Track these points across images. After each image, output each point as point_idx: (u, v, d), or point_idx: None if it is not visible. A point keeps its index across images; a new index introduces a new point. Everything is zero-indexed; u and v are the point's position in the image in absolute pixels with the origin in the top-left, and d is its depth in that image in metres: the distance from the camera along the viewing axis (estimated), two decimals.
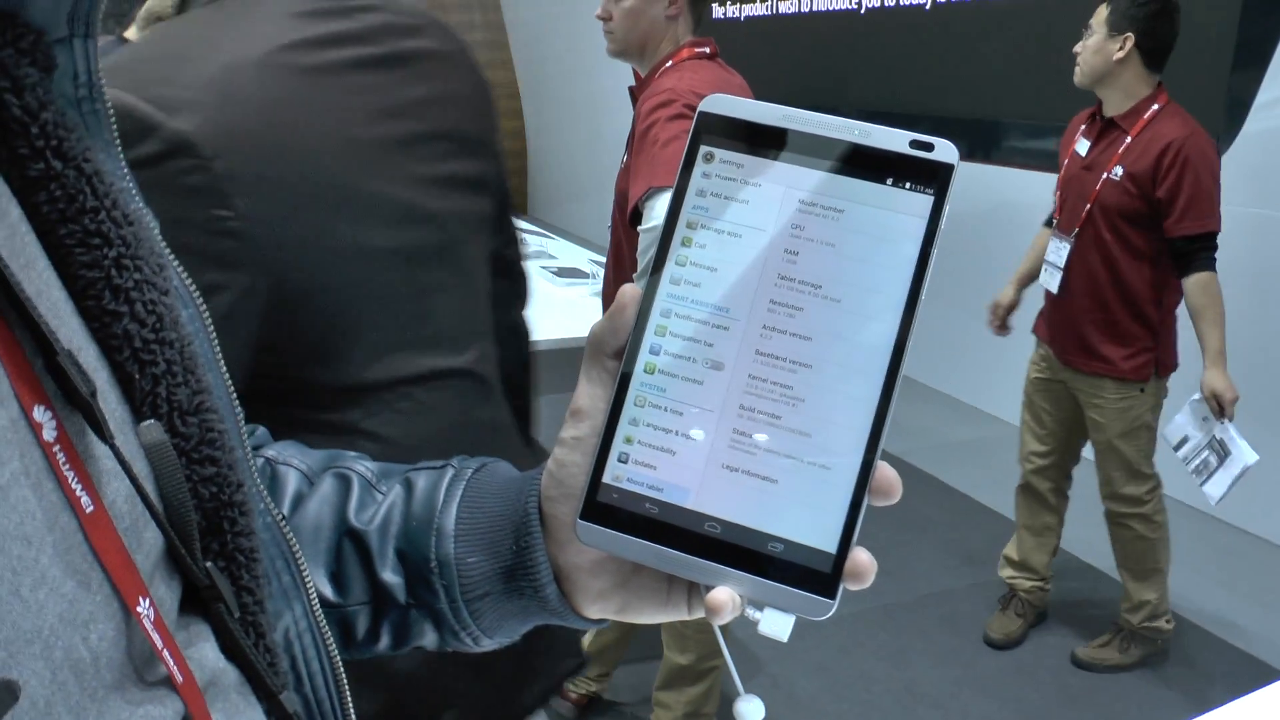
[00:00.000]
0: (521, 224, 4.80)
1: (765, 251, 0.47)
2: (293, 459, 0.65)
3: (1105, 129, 2.82)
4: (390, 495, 0.61)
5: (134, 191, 0.48)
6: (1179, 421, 2.88)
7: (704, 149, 0.49)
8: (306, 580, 0.54)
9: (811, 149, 0.48)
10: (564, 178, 10.56)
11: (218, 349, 0.51)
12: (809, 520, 0.46)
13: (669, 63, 2.22)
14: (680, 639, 2.36)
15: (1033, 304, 3.19)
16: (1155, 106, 2.73)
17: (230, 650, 0.44)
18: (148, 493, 0.39)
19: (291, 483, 0.63)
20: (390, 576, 0.58)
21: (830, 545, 0.46)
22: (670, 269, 0.48)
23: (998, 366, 5.06)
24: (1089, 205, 2.78)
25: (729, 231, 0.48)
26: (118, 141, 0.47)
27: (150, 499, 0.39)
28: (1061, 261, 2.89)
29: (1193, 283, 2.69)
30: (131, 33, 3.51)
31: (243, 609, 0.45)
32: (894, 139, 0.47)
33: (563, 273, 3.73)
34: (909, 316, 0.46)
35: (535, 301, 3.73)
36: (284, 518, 0.54)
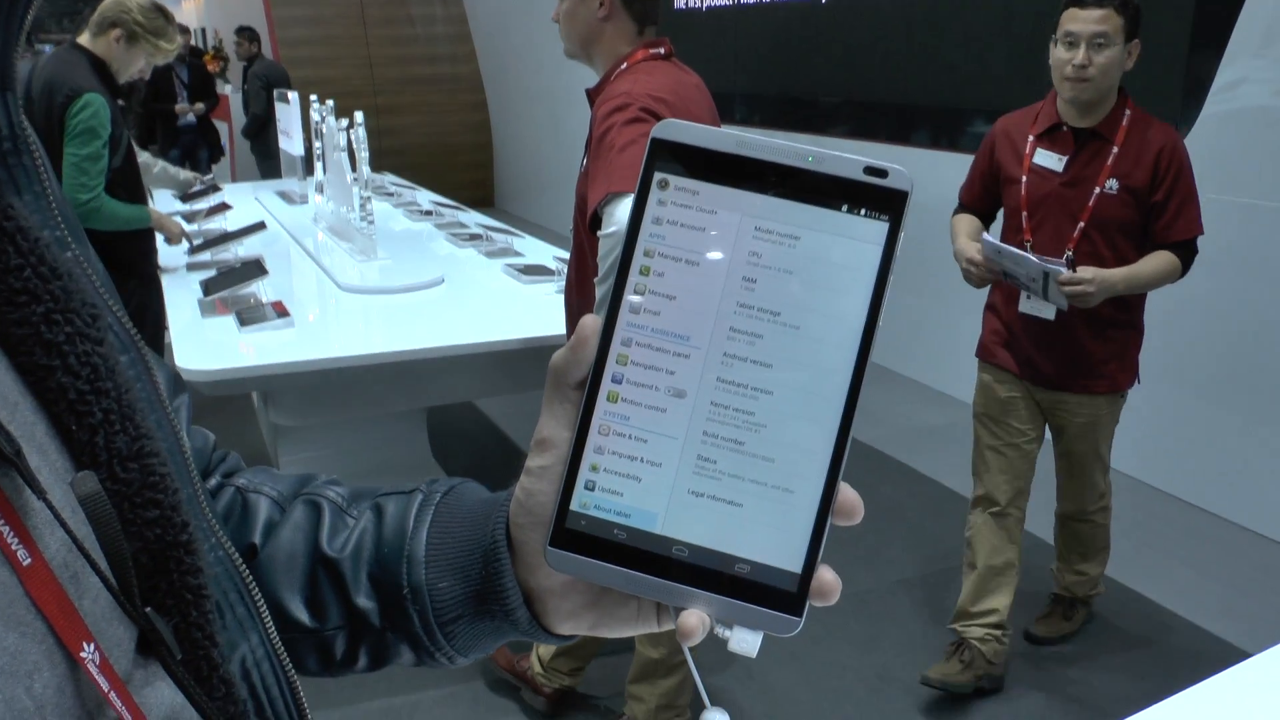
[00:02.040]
0: (488, 220, 4.79)
1: (723, 279, 0.48)
2: (263, 486, 0.66)
3: (1085, 141, 2.65)
4: (361, 521, 0.62)
5: (68, 240, 0.48)
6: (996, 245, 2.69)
7: (659, 176, 0.49)
8: (262, 610, 0.55)
9: (766, 176, 0.48)
10: (529, 170, 10.53)
11: (162, 389, 0.52)
12: (774, 542, 0.47)
13: (623, 65, 2.21)
14: (652, 634, 2.35)
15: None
16: (1128, 112, 2.64)
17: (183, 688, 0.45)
18: (82, 544, 0.40)
19: (263, 511, 0.64)
20: (365, 602, 0.60)
21: (795, 565, 0.47)
22: (629, 298, 0.49)
23: (967, 351, 5.10)
24: (1082, 223, 2.65)
25: (686, 259, 0.48)
26: (50, 191, 0.48)
27: (86, 550, 0.40)
28: None
29: (1164, 259, 2.64)
30: (85, 38, 3.47)
31: (193, 644, 0.46)
32: (847, 166, 0.47)
33: (528, 271, 3.72)
34: (867, 341, 0.47)
35: (502, 300, 3.73)
36: (237, 552, 0.55)
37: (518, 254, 4.10)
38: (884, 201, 0.47)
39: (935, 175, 5.14)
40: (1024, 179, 2.75)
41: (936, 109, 5.35)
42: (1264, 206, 3.66)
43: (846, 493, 0.47)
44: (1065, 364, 2.77)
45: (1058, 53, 2.60)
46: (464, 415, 4.86)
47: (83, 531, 0.41)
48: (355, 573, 0.60)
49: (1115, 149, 2.62)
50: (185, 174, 5.11)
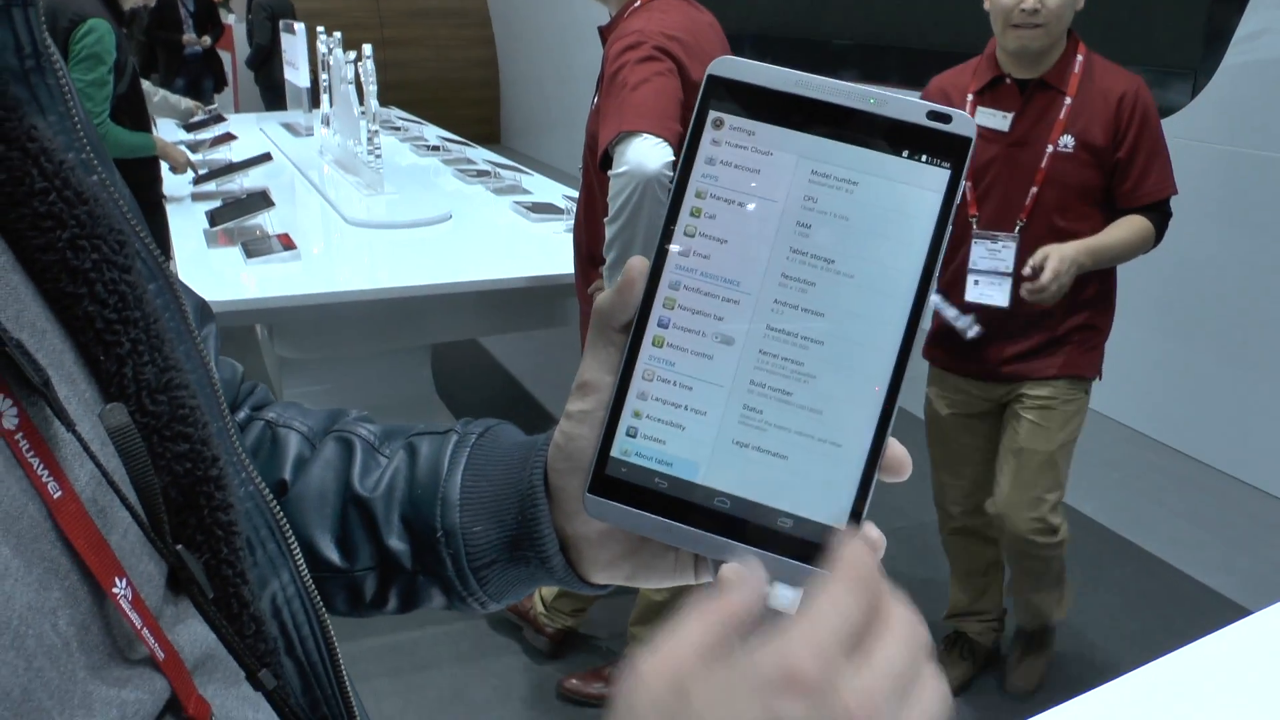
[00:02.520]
0: (496, 158, 4.75)
1: (777, 223, 0.46)
2: (293, 421, 0.65)
3: (1033, 94, 2.32)
4: (394, 460, 0.61)
5: (94, 163, 0.46)
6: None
7: (713, 114, 0.47)
8: (293, 547, 0.54)
9: (825, 117, 0.46)
10: (536, 107, 10.42)
11: (191, 320, 0.50)
12: (819, 496, 0.46)
13: (637, 2, 2.17)
14: None
15: None
16: (1080, 57, 2.32)
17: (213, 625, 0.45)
18: (113, 477, 0.39)
19: (293, 446, 0.63)
20: (396, 544, 0.58)
21: (840, 521, 0.46)
22: (679, 239, 0.47)
23: None
24: (1034, 189, 2.32)
25: (739, 201, 0.47)
26: (75, 113, 0.46)
27: (115, 483, 0.39)
28: (1007, 266, 2.34)
29: (1133, 224, 2.33)
30: None
31: (223, 581, 0.46)
32: (910, 109, 0.45)
33: (536, 208, 3.69)
34: (922, 294, 0.45)
35: (509, 238, 3.71)
36: (268, 487, 0.54)
37: (526, 191, 4.06)
38: (946, 148, 0.45)
39: None
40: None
41: (951, 54, 5.28)
42: None
43: (895, 448, 0.46)
44: (1017, 348, 2.43)
45: None
46: (469, 353, 4.86)
47: (112, 465, 0.40)
48: (387, 513, 0.59)
49: (1068, 100, 2.30)
50: (187, 103, 5.06)
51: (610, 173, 1.99)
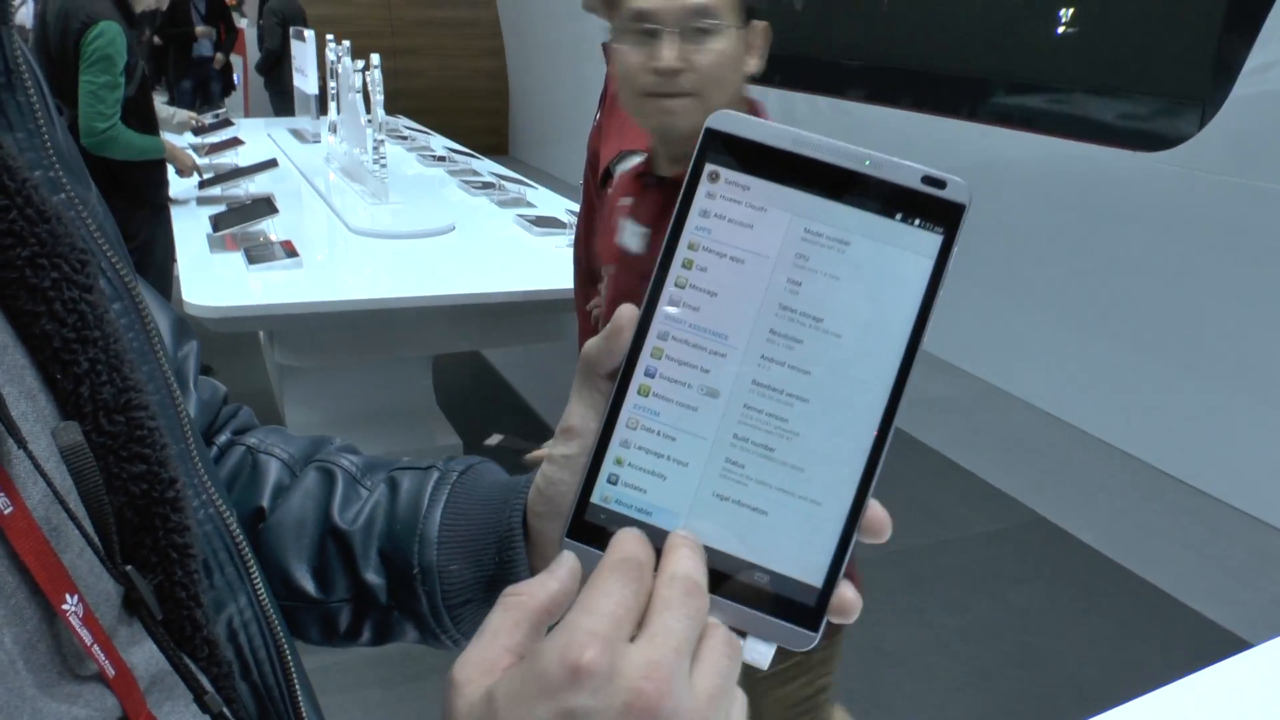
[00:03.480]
0: (501, 170, 4.75)
1: (767, 279, 0.47)
2: (275, 447, 0.65)
3: (669, 201, 1.01)
4: (375, 494, 0.61)
5: (62, 181, 0.46)
6: None
7: (709, 168, 0.47)
8: (252, 572, 0.54)
9: (821, 176, 0.46)
10: (545, 119, 10.45)
11: (158, 340, 0.50)
12: (797, 553, 0.46)
13: None
14: None
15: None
16: None
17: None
18: (63, 496, 0.39)
19: (273, 473, 0.63)
20: (373, 578, 0.59)
21: (817, 580, 0.46)
22: (669, 290, 0.47)
23: (973, 323, 5.08)
24: None
25: (731, 256, 0.47)
26: (44, 130, 0.46)
27: (65, 501, 0.39)
28: None
29: None
30: None
31: (177, 603, 0.46)
32: (906, 173, 0.46)
33: (539, 222, 3.69)
34: (909, 357, 0.46)
35: (511, 251, 3.71)
36: (232, 511, 0.54)
37: (530, 205, 4.06)
38: (940, 213, 0.46)
39: (955, 145, 5.09)
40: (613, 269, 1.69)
41: (958, 77, 5.28)
42: None
43: (876, 510, 0.46)
44: None
45: (624, 51, 1.49)
46: (469, 365, 4.85)
47: (67, 484, 0.40)
48: (365, 547, 0.59)
49: None
50: (181, 114, 5.06)
51: (608, 190, 1.98)
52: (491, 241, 3.59)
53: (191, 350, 0.64)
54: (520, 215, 3.81)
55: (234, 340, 4.93)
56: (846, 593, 0.46)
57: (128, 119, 3.46)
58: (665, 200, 1.50)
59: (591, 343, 0.49)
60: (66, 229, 0.43)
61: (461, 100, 10.97)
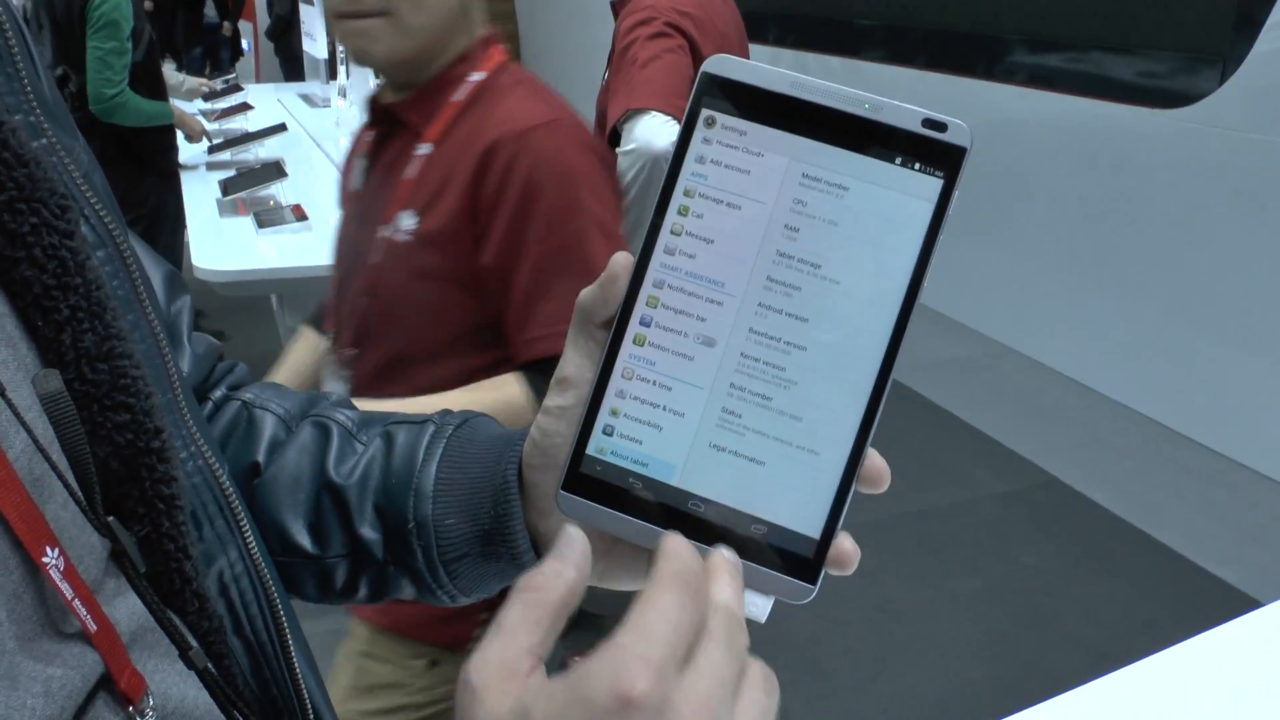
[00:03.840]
0: None
1: (765, 226, 0.46)
2: (270, 402, 0.64)
3: (386, 132, 1.40)
4: (370, 448, 0.60)
5: (43, 126, 0.46)
6: None
7: (705, 113, 0.46)
8: (242, 525, 0.53)
9: (819, 120, 0.45)
10: (556, 79, 10.31)
11: (144, 289, 0.49)
12: (794, 504, 0.46)
13: None
14: None
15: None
16: (475, 77, 1.34)
17: (158, 595, 0.44)
18: (43, 445, 0.38)
19: (268, 428, 0.62)
20: (368, 533, 0.58)
21: (814, 531, 0.46)
22: (665, 238, 0.47)
23: (987, 283, 5.04)
24: (365, 298, 1.24)
25: (728, 202, 0.46)
26: (24, 73, 0.45)
27: (45, 450, 0.38)
28: None
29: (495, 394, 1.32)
30: None
31: (164, 555, 0.45)
32: (906, 116, 0.45)
33: None
34: (909, 304, 0.45)
35: None
36: (224, 465, 0.53)
37: None
38: (941, 156, 0.45)
39: (967, 103, 5.03)
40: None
41: (969, 34, 5.21)
42: None
43: (874, 459, 0.45)
44: None
45: None
46: None
47: (49, 435, 0.39)
48: (361, 502, 0.58)
49: (421, 150, 1.31)
50: (192, 80, 5.05)
51: (619, 150, 1.97)
52: None
53: (185, 305, 0.63)
54: None
55: (246, 304, 4.94)
56: (845, 544, 0.45)
57: (135, 85, 3.45)
58: (384, 133, 1.38)
59: (586, 291, 0.48)
60: (46, 174, 0.42)
61: None
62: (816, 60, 6.24)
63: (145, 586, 0.43)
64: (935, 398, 4.34)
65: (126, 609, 0.43)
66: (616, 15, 2.17)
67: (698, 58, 2.01)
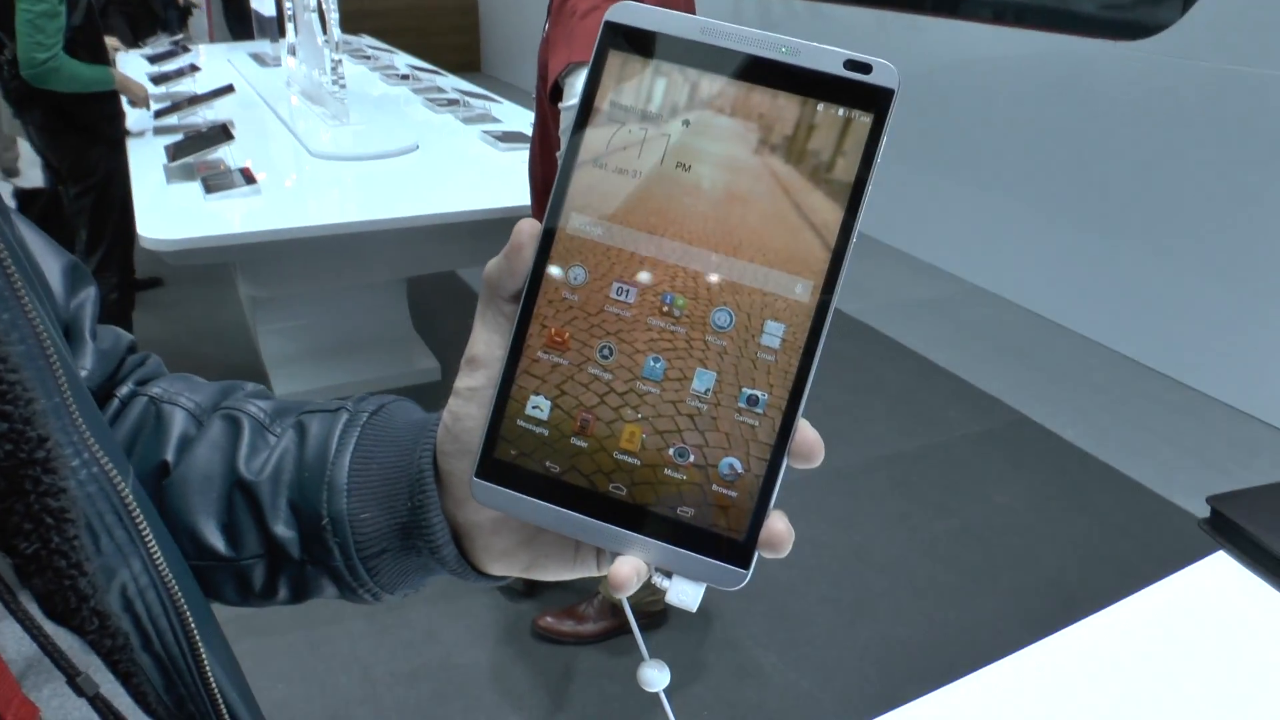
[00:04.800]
0: (466, 86, 4.63)
1: (680, 187, 0.42)
2: (179, 397, 0.60)
3: None
4: (283, 440, 0.57)
5: None
6: None
7: (610, 66, 0.43)
8: (145, 533, 0.49)
9: (734, 68, 0.42)
10: (517, 34, 10.21)
11: (21, 284, 0.45)
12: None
13: None
14: None
15: None
16: None
17: (52, 613, 0.42)
18: None
19: (178, 425, 0.59)
20: (284, 531, 0.55)
21: (745, 511, 0.43)
22: (572, 203, 0.43)
23: (956, 223, 5.01)
24: None
25: (638, 159, 0.42)
26: None
27: None
28: None
29: None
30: None
31: (57, 573, 0.42)
32: (827, 58, 0.41)
33: (505, 138, 3.59)
34: (839, 258, 0.41)
35: (478, 167, 3.62)
36: (121, 466, 0.49)
37: (495, 120, 3.96)
38: (867, 99, 0.41)
39: (936, 44, 4.97)
40: None
41: None
42: (1275, 77, 3.53)
43: (806, 431, 0.42)
44: None
45: None
46: (445, 285, 4.79)
47: None
48: (274, 499, 0.55)
49: None
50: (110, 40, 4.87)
51: (560, 105, 1.91)
52: (457, 159, 3.50)
53: (88, 297, 0.59)
54: (486, 131, 3.71)
55: (203, 271, 4.85)
56: (777, 524, 0.42)
57: (75, 49, 3.34)
58: None
59: (492, 263, 0.45)
60: None
61: (430, 18, 10.71)
62: (780, 2, 6.15)
63: (19, 607, 0.39)
64: (905, 340, 4.32)
65: (14, 634, 0.39)
66: None
67: None
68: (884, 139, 0.41)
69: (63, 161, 3.61)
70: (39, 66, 3.19)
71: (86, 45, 3.45)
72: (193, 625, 0.50)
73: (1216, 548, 1.28)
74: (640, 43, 0.42)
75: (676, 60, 0.42)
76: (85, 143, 3.54)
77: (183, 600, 0.50)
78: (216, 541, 0.55)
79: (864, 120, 0.41)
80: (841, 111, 0.41)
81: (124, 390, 0.61)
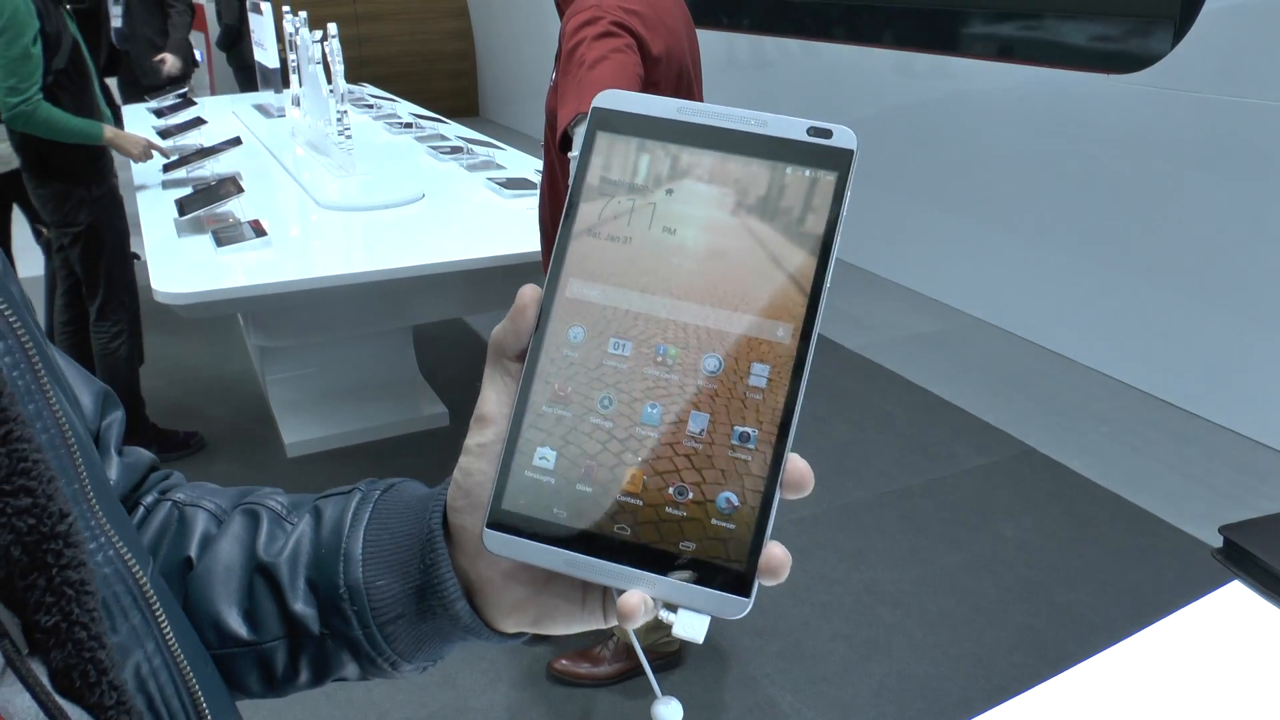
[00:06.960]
0: (469, 133, 4.65)
1: (668, 251, 0.47)
2: (202, 500, 0.64)
3: None
4: (300, 525, 0.60)
5: None
6: None
7: (599, 145, 0.48)
8: (160, 619, 0.51)
9: (710, 141, 0.47)
10: (514, 78, 10.31)
11: (49, 383, 0.48)
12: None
13: None
14: None
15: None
16: None
17: (65, 690, 0.42)
18: None
19: (200, 524, 0.62)
20: (302, 608, 0.57)
21: (744, 542, 0.46)
22: (570, 270, 0.48)
23: (956, 258, 5.05)
24: None
25: (629, 227, 0.48)
26: None
27: None
28: None
29: None
30: None
31: (77, 645, 0.43)
32: (792, 127, 0.47)
33: (510, 184, 3.64)
34: (815, 301, 0.46)
35: (483, 215, 3.65)
36: (134, 556, 0.51)
37: (500, 167, 4.01)
38: (830, 160, 0.47)
39: (927, 77, 5.03)
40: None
41: (929, 10, 5.21)
42: (1267, 106, 3.58)
43: (796, 463, 0.45)
44: None
45: None
46: (452, 332, 4.82)
47: None
48: (293, 578, 0.57)
49: None
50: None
51: (570, 154, 1.94)
52: (463, 207, 3.54)
53: (116, 419, 0.62)
54: (490, 178, 3.76)
55: (211, 323, 4.88)
56: (775, 551, 0.45)
57: (58, 94, 3.26)
58: None
59: (498, 327, 0.49)
60: None
61: (429, 63, 10.83)
62: (774, 44, 6.22)
63: (29, 672, 0.40)
64: (909, 374, 4.35)
65: (22, 705, 0.40)
66: (561, 14, 2.14)
67: (646, 57, 1.98)
68: (848, 193, 0.46)
69: (43, 208, 3.49)
70: (13, 110, 3.10)
71: (72, 91, 3.36)
72: (205, 708, 0.52)
73: (1231, 577, 1.29)
74: (625, 124, 0.48)
75: (658, 137, 0.48)
76: (63, 191, 3.42)
77: (195, 682, 0.52)
78: (238, 627, 0.58)
79: (829, 178, 0.46)
80: (808, 172, 0.46)
81: (149, 499, 0.64)
